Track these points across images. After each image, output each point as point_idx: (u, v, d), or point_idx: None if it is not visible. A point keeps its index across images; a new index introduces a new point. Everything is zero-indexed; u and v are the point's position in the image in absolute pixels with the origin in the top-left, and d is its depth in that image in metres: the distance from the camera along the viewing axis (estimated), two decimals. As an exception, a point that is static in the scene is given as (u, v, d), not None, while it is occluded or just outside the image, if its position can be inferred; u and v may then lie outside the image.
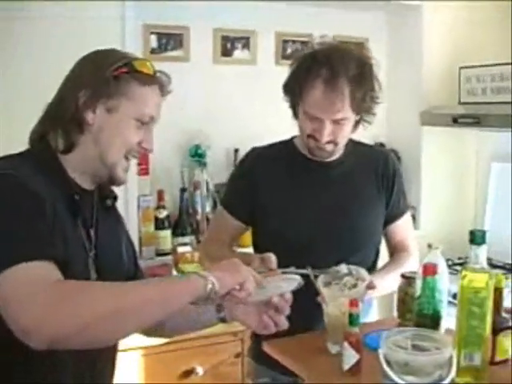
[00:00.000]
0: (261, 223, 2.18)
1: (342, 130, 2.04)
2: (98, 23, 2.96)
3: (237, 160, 3.47)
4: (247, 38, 3.66)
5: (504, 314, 1.78)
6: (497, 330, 1.71)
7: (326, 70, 1.97)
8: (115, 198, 1.79)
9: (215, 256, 2.19)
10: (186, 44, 3.50)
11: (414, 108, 3.74)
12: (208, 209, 3.49)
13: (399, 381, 1.50)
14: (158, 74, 1.66)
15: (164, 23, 3.44)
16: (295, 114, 2.15)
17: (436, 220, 3.76)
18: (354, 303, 1.72)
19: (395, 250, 2.31)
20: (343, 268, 1.94)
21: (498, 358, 1.73)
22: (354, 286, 1.90)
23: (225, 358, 2.98)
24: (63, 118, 1.59)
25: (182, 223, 3.40)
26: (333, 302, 1.86)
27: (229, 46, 3.62)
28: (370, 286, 1.93)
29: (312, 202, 2.14)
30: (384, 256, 2.33)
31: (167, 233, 3.34)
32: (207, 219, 3.46)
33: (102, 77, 1.58)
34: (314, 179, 2.16)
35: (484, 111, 3.31)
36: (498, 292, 1.72)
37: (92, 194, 1.69)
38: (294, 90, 2.07)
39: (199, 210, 3.48)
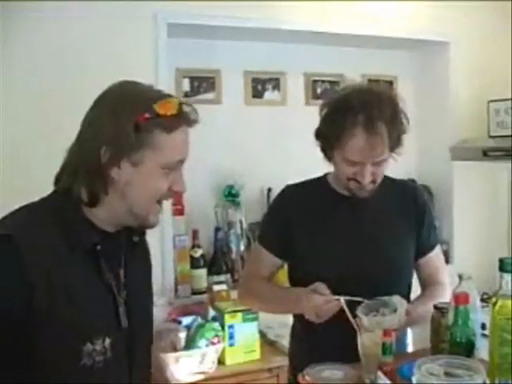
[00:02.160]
0: (295, 258, 2.21)
1: (381, 169, 2.08)
2: (132, 68, 3.05)
3: (270, 199, 3.53)
4: (277, 79, 3.74)
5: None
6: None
7: (362, 117, 1.98)
8: (143, 233, 1.73)
9: (257, 292, 2.24)
10: (217, 86, 3.60)
11: (444, 143, 3.78)
12: (242, 248, 3.54)
13: (433, 408, 1.52)
14: (184, 109, 1.56)
15: (196, 67, 3.54)
16: (327, 157, 2.17)
17: (469, 254, 3.76)
18: (387, 333, 1.74)
19: (427, 284, 2.31)
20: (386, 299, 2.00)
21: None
22: (394, 311, 1.94)
23: (261, 395, 2.98)
24: (86, 174, 1.52)
25: (217, 262, 3.45)
26: (368, 332, 1.89)
27: (259, 87, 3.71)
28: (407, 312, 1.96)
29: (344, 238, 2.16)
30: (415, 290, 2.34)
31: (202, 271, 3.38)
32: (242, 258, 3.51)
33: (123, 130, 1.49)
34: (346, 215, 2.19)
35: (513, 144, 3.33)
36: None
37: (117, 234, 1.63)
38: (330, 137, 2.07)
39: (233, 249, 3.52)
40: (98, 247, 1.54)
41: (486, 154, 3.44)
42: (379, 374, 1.72)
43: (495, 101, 3.62)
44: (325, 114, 2.12)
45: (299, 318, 2.27)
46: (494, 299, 1.64)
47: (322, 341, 2.09)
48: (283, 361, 2.96)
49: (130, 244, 1.68)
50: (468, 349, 1.78)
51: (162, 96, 1.55)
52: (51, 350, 1.44)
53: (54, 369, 1.45)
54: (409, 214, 2.25)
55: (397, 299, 2.00)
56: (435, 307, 2.03)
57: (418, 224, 2.25)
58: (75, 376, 1.48)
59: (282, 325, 3.30)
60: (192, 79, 3.54)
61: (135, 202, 1.55)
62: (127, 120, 1.49)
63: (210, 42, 3.52)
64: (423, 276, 2.32)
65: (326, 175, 2.28)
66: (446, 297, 2.17)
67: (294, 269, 2.26)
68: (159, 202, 1.59)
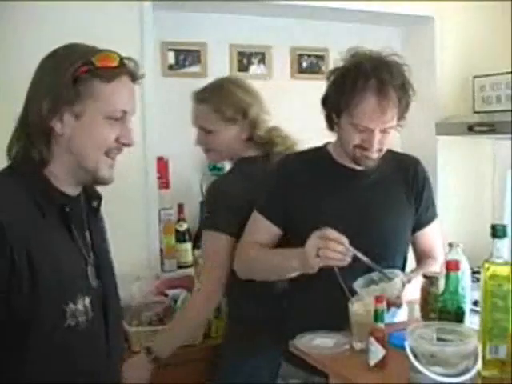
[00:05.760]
0: (294, 229, 2.20)
1: (388, 137, 2.08)
2: (117, 40, 3.00)
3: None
4: (263, 53, 3.71)
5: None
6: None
7: (374, 81, 1.99)
8: (100, 198, 1.76)
9: (254, 258, 2.21)
10: (203, 60, 3.56)
11: (429, 118, 3.76)
12: (227, 222, 3.52)
13: (426, 372, 1.53)
14: (125, 63, 1.59)
15: (181, 40, 3.49)
16: (331, 125, 2.17)
17: (453, 230, 3.76)
18: (379, 300, 1.75)
19: (422, 257, 2.33)
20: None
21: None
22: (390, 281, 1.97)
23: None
24: (31, 132, 1.54)
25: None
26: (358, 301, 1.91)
27: (245, 61, 3.68)
28: (408, 279, 2.01)
29: (344, 207, 2.16)
30: (410, 264, 2.36)
31: (188, 245, 3.36)
32: (226, 233, 3.51)
33: (62, 82, 1.50)
34: (346, 185, 2.19)
35: (499, 118, 3.34)
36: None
37: (79, 198, 1.66)
38: (338, 102, 2.06)
39: (218, 223, 3.51)
40: (67, 209, 1.57)
41: (471, 129, 3.44)
42: (371, 340, 1.73)
43: (480, 76, 3.63)
44: (334, 80, 2.11)
45: (290, 287, 2.27)
46: (485, 265, 1.65)
47: (312, 309, 2.10)
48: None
49: (90, 209, 1.72)
50: (458, 316, 1.80)
51: (100, 50, 1.58)
52: (36, 315, 1.45)
53: (41, 334, 1.47)
54: (408, 187, 2.26)
55: (393, 271, 2.02)
56: (424, 276, 2.04)
57: (417, 197, 2.26)
58: (61, 338, 1.50)
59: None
60: (177, 52, 3.50)
61: (82, 155, 1.55)
62: (65, 72, 1.50)
63: (195, 15, 3.47)
64: (419, 249, 2.34)
65: (326, 145, 2.27)
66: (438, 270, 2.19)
67: (294, 239, 2.20)
68: (108, 154, 1.59)
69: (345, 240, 1.91)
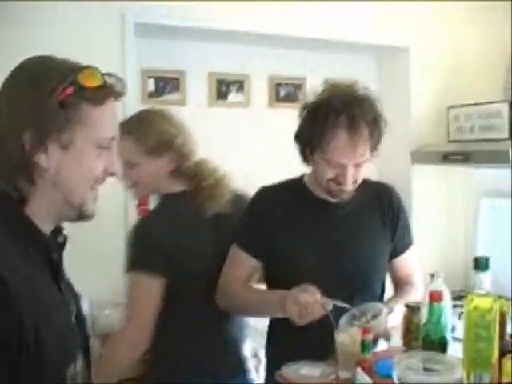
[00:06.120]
0: (273, 260, 2.22)
1: (362, 170, 2.09)
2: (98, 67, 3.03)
3: (231, 201, 3.55)
4: (241, 82, 3.77)
5: (507, 338, 1.84)
6: (501, 353, 1.77)
7: (345, 117, 2.00)
8: (63, 232, 1.47)
9: (238, 296, 2.21)
10: (182, 88, 3.60)
11: (405, 147, 3.85)
12: (206, 249, 3.52)
13: (414, 402, 1.57)
14: (108, 81, 1.36)
15: (161, 68, 3.54)
16: (306, 159, 2.17)
17: (428, 256, 3.82)
18: (366, 331, 1.78)
19: (400, 284, 2.35)
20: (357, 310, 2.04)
21: (504, 380, 1.78)
22: (375, 317, 1.98)
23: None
24: (9, 166, 1.31)
25: (181, 263, 3.43)
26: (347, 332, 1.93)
27: (223, 89, 3.73)
28: (390, 310, 2.03)
29: (321, 242, 2.18)
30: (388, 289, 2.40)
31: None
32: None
33: (47, 108, 1.28)
34: (323, 217, 2.20)
35: (472, 148, 3.42)
36: (501, 316, 1.79)
37: (50, 235, 1.43)
38: (311, 140, 2.07)
39: (197, 249, 3.50)
40: (54, 256, 1.39)
41: (445, 158, 3.52)
42: (358, 370, 1.75)
43: (455, 107, 3.71)
44: (305, 116, 2.12)
45: (276, 317, 2.28)
46: (468, 297, 1.70)
47: (298, 339, 2.12)
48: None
49: (57, 245, 1.46)
50: (441, 345, 1.84)
51: (82, 67, 1.35)
52: (40, 381, 1.25)
53: None
54: (384, 216, 2.28)
55: (375, 305, 2.06)
56: (407, 306, 2.07)
57: (392, 225, 2.29)
58: None
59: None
60: (157, 80, 3.54)
61: (69, 189, 1.35)
62: (49, 96, 1.28)
63: (174, 43, 3.52)
64: (396, 276, 2.37)
65: (302, 177, 2.29)
66: (417, 297, 2.21)
67: (272, 271, 2.26)
68: (93, 187, 1.40)
69: (319, 297, 1.93)
